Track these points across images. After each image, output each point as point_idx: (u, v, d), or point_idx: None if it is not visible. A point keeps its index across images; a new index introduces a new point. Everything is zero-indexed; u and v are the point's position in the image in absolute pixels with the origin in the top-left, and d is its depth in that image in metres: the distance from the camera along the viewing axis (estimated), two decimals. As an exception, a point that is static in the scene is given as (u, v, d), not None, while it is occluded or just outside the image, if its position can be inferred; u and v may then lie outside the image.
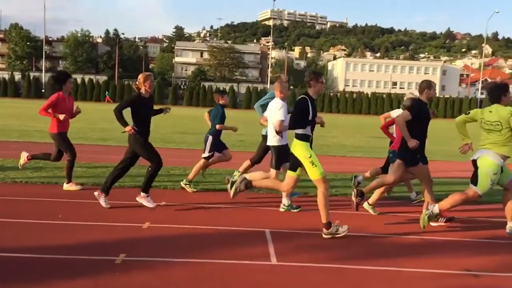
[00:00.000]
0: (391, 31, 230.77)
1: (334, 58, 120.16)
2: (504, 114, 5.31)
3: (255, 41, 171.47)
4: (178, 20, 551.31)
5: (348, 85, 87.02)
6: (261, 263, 4.42)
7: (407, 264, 4.59)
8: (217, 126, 7.49)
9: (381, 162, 7.99)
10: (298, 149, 5.37)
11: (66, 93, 7.14)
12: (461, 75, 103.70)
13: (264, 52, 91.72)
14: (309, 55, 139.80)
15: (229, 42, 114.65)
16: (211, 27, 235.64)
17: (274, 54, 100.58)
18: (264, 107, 6.95)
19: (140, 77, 6.15)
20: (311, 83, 5.48)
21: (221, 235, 5.30)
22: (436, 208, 5.59)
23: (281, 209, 6.58)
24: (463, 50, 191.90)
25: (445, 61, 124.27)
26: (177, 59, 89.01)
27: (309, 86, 5.50)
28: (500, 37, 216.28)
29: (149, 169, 6.22)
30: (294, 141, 5.42)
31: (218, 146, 7.68)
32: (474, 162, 5.53)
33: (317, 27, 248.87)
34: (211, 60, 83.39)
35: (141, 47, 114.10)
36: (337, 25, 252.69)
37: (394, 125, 7.37)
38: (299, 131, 5.37)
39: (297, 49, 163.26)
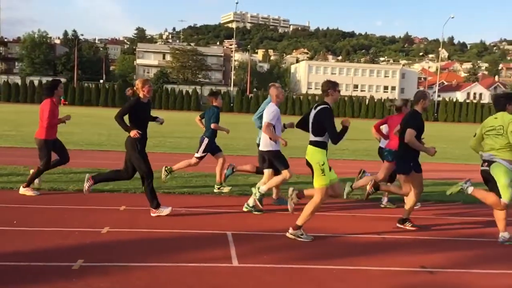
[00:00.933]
0: (352, 35, 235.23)
1: (297, 61, 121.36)
2: (506, 120, 5.57)
3: (218, 43, 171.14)
4: (139, 21, 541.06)
5: (311, 88, 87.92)
6: (222, 265, 4.42)
7: (367, 262, 4.69)
8: (212, 125, 7.58)
9: (344, 164, 8.11)
10: (312, 154, 5.39)
11: (57, 97, 7.21)
12: (419, 78, 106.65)
13: (227, 54, 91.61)
14: (272, 58, 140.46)
15: (192, 44, 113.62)
16: (174, 29, 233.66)
17: (237, 56, 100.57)
18: (261, 118, 7.08)
19: (138, 82, 6.18)
20: (329, 92, 5.51)
21: (182, 238, 5.26)
22: (470, 189, 5.82)
23: (244, 209, 6.59)
24: (421, 54, 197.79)
25: (404, 65, 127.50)
26: (138, 61, 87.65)
27: (327, 95, 5.52)
28: (455, 41, 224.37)
29: (144, 186, 6.16)
30: (310, 148, 5.42)
31: (212, 148, 7.79)
32: (487, 172, 5.67)
33: (280, 30, 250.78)
34: (174, 62, 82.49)
35: (101, 49, 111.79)
36: (299, 28, 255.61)
37: (386, 124, 7.48)
38: (318, 138, 5.41)
39: (260, 52, 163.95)
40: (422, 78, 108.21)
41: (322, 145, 5.40)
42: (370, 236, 5.72)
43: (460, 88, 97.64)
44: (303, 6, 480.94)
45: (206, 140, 7.67)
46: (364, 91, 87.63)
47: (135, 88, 6.18)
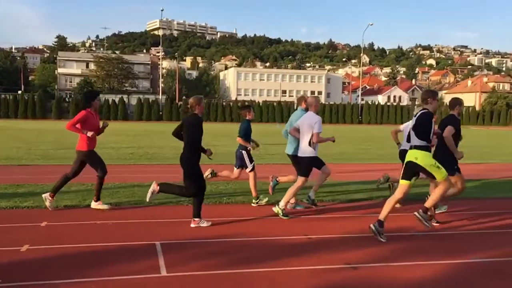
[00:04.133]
0: (278, 41, 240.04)
1: (226, 68, 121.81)
2: None
3: (144, 51, 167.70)
4: (60, 29, 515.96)
5: (240, 94, 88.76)
6: (150, 276, 4.35)
7: (294, 263, 4.81)
8: (237, 139, 7.62)
9: (279, 168, 8.25)
10: (422, 158, 5.70)
11: (94, 109, 7.01)
12: (344, 82, 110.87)
13: (155, 62, 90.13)
14: (200, 65, 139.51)
15: (117, 52, 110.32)
16: (97, 36, 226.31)
17: (165, 64, 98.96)
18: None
19: (192, 100, 6.32)
20: (429, 100, 5.82)
21: (108, 251, 5.11)
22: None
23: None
24: (344, 59, 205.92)
25: (328, 70, 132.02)
26: (60, 70, 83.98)
27: (426, 103, 5.81)
28: (375, 47, 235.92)
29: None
30: (418, 152, 5.68)
31: (241, 157, 7.72)
32: None
33: (208, 37, 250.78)
34: (98, 71, 79.81)
35: (18, 58, 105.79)
36: (227, 35, 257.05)
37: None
38: (423, 143, 5.68)
39: (189, 59, 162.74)
40: (346, 83, 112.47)
41: (428, 149, 5.77)
42: (296, 237, 5.87)
43: (381, 91, 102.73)
44: (229, 14, 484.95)
45: (244, 153, 7.63)
46: (292, 96, 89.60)
47: (188, 106, 6.30)
